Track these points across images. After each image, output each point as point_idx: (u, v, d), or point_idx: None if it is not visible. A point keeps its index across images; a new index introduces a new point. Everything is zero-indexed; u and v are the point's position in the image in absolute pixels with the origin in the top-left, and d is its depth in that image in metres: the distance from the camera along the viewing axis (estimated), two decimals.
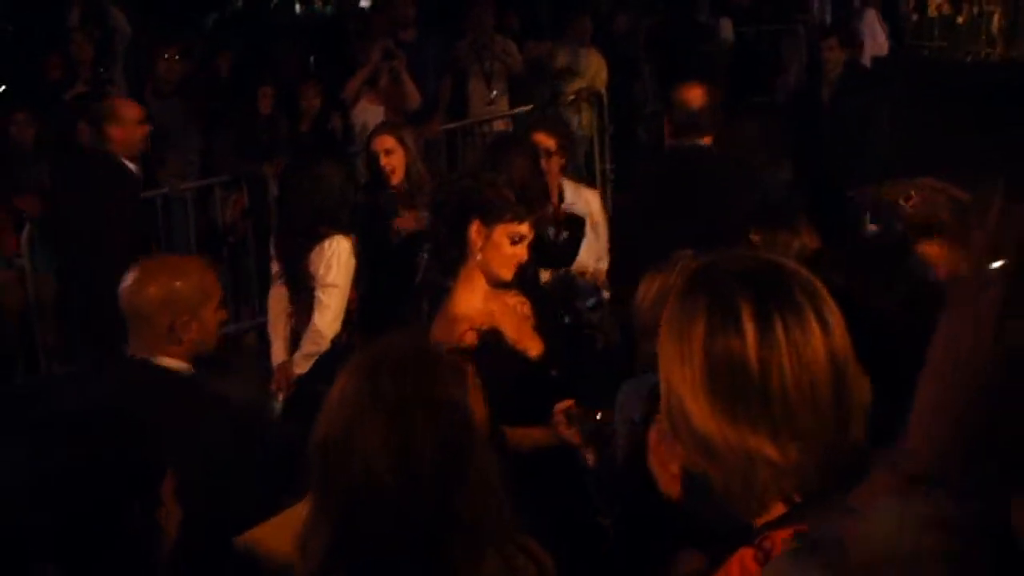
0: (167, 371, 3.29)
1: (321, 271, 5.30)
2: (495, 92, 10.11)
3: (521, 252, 3.79)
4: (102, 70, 9.51)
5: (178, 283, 3.29)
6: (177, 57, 8.98)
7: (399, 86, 8.87)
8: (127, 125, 6.46)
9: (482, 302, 3.82)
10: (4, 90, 9.96)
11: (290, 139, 8.61)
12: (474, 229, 3.75)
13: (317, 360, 5.33)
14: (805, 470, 1.62)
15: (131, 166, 6.56)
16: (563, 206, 5.70)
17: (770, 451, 1.60)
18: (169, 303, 3.25)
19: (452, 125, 9.88)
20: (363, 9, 13.08)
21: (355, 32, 10.44)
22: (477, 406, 2.15)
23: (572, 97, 10.41)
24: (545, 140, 5.70)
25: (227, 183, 8.42)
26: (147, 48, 9.73)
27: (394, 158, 5.93)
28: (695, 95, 5.39)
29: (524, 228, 3.80)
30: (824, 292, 1.68)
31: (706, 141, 5.38)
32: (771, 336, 1.61)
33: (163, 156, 8.47)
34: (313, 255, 5.32)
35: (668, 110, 5.52)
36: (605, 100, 11.00)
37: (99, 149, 6.54)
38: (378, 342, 2.18)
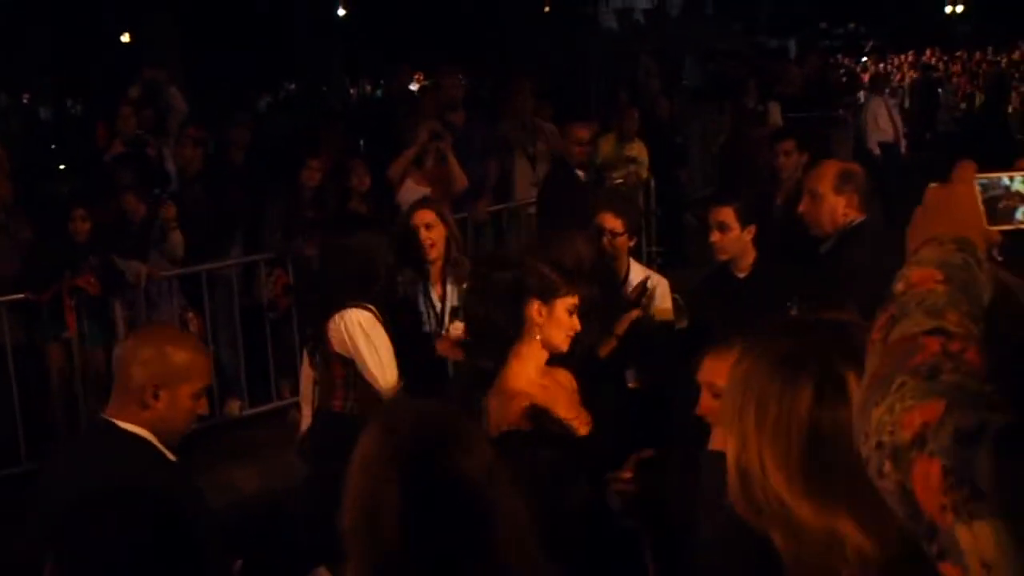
0: (125, 433, 3.27)
1: (350, 348, 5.07)
2: (540, 175, 10.18)
3: (576, 322, 3.91)
4: (140, 132, 9.69)
5: (168, 348, 3.27)
6: (194, 144, 9.03)
7: (445, 167, 8.93)
8: (579, 144, 8.70)
9: (537, 377, 3.89)
10: (58, 163, 10.23)
11: (338, 216, 8.68)
12: (534, 309, 3.84)
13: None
14: (887, 560, 1.56)
15: (580, 173, 8.66)
16: (627, 288, 5.66)
17: (860, 539, 1.55)
18: (149, 364, 3.24)
19: (498, 207, 9.94)
20: (412, 91, 13.28)
21: (403, 113, 10.56)
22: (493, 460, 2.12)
23: (620, 181, 10.42)
24: (611, 221, 5.68)
25: (271, 260, 8.49)
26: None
27: (434, 232, 5.90)
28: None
29: (578, 299, 3.92)
30: None
31: None
32: None
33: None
34: (331, 326, 5.10)
35: (849, 183, 5.28)
36: (652, 184, 11.04)
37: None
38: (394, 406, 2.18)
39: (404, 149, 9.06)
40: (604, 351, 5.19)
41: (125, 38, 25.75)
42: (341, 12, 29.30)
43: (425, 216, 5.99)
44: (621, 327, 5.28)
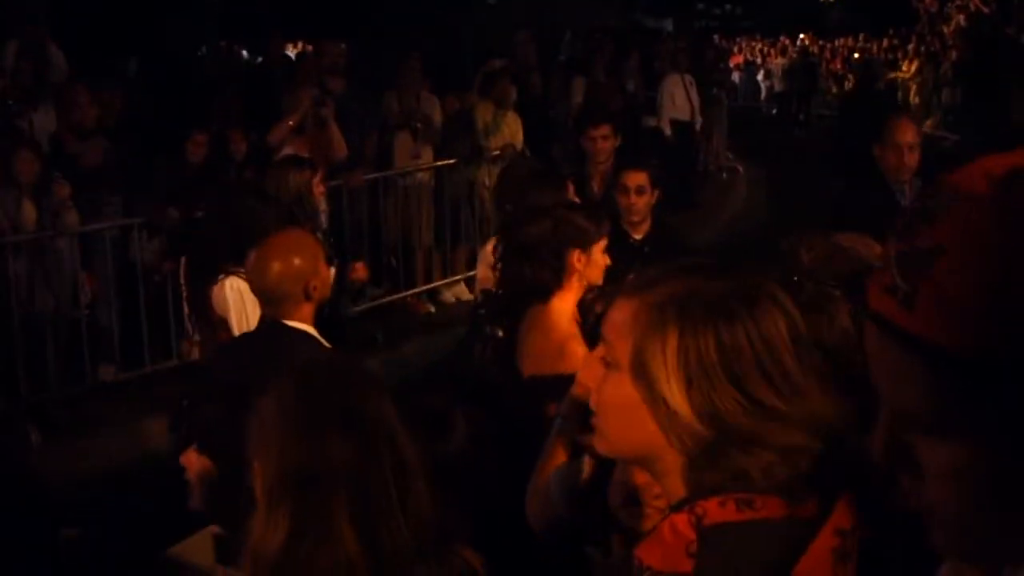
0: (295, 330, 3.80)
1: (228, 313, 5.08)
2: (421, 147, 10.31)
3: (607, 256, 4.24)
4: (10, 103, 9.32)
5: (293, 258, 3.83)
6: (90, 100, 8.85)
7: (326, 134, 8.95)
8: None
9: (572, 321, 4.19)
10: None
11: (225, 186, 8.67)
12: (575, 257, 4.11)
13: None
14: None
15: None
16: None
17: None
18: (288, 277, 3.80)
19: (375, 175, 10.01)
20: (289, 57, 13.15)
21: (282, 79, 10.52)
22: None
23: (496, 152, 10.54)
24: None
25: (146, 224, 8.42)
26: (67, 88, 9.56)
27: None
28: None
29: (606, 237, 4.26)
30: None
31: None
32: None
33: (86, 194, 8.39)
34: (215, 291, 5.12)
35: None
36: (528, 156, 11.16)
37: None
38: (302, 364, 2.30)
39: (283, 115, 9.05)
40: None
41: None
42: None
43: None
44: None
